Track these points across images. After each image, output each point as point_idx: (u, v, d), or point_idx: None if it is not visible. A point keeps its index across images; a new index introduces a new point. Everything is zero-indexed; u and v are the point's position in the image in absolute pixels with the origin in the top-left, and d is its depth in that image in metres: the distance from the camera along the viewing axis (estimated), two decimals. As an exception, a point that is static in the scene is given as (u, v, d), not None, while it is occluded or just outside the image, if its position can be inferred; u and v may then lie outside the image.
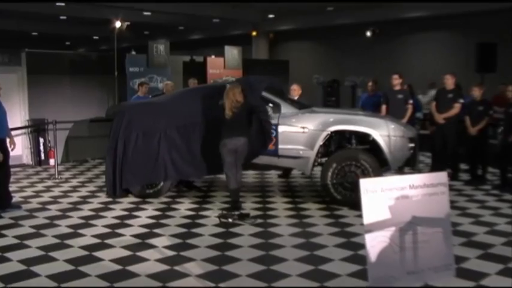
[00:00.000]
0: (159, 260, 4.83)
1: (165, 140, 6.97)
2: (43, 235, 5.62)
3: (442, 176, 3.34)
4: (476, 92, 8.24)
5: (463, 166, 8.95)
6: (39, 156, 10.38)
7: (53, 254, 5.00)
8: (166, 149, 6.97)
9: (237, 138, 6.40)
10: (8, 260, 4.87)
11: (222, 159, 6.46)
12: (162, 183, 7.22)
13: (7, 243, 5.36)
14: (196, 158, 6.98)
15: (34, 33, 23.78)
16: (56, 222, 6.14)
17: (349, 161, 6.65)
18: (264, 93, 7.31)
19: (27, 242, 5.36)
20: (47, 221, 6.17)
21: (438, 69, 14.03)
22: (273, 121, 6.89)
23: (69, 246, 5.25)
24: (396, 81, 8.85)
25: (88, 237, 5.55)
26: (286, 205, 6.93)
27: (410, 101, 8.78)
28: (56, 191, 7.90)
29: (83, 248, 5.19)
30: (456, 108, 8.31)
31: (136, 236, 5.59)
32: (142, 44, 14.00)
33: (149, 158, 6.99)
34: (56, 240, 5.43)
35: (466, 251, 5.00)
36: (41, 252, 5.04)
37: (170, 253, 5.03)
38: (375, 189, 3.15)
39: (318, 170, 7.27)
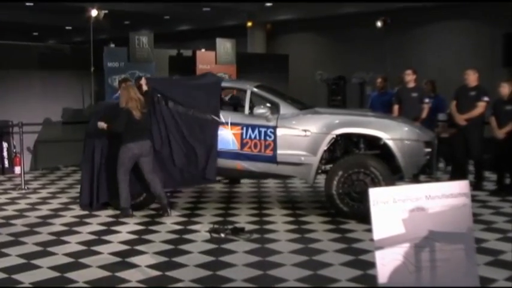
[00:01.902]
0: (142, 281, 4.80)
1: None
2: (6, 254, 5.56)
3: (463, 185, 3.34)
4: (505, 89, 8.23)
5: (487, 174, 8.97)
6: (3, 163, 10.35)
7: (17, 276, 4.95)
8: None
9: (145, 142, 6.80)
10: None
11: (119, 164, 6.78)
12: (145, 194, 7.22)
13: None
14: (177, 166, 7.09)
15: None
16: (22, 239, 6.09)
17: (357, 168, 6.65)
18: (260, 92, 7.32)
19: (-13, 263, 5.32)
20: (11, 238, 6.13)
21: (458, 64, 14.08)
22: (271, 123, 6.90)
23: (36, 266, 5.20)
24: (409, 77, 8.87)
25: (59, 255, 5.51)
26: (285, 218, 6.92)
27: (426, 100, 8.80)
28: (22, 203, 7.86)
29: (53, 268, 5.14)
30: (480, 107, 8.32)
31: (115, 254, 5.55)
32: (122, 35, 14.00)
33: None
34: (22, 260, 5.38)
35: (493, 272, 4.98)
36: (2, 275, 4.99)
37: (154, 273, 5.00)
38: (386, 200, 3.15)
39: (321, 179, 7.26)
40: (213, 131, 7.05)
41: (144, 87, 7.20)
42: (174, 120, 7.07)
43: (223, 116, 7.12)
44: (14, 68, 10.68)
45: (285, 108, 7.08)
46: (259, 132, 6.95)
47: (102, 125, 6.96)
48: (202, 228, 6.45)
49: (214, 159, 7.03)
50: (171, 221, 6.79)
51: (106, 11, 13.59)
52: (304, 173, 6.92)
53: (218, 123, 7.07)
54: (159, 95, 7.13)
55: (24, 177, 9.02)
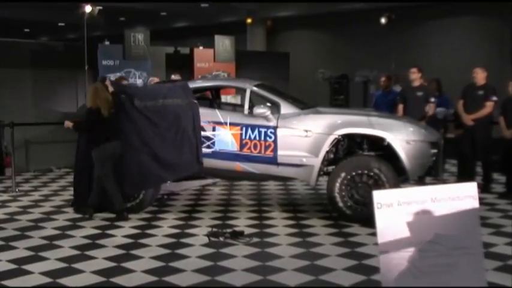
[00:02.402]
0: None
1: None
2: (-2, 259, 5.58)
3: (470, 188, 3.34)
4: None
5: (496, 176, 8.97)
6: (-7, 164, 10.34)
7: (7, 282, 4.95)
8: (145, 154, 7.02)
9: (117, 142, 6.93)
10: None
11: (97, 168, 6.91)
12: (141, 196, 7.23)
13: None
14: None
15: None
16: (13, 243, 6.08)
17: (360, 169, 6.65)
18: (260, 91, 7.32)
19: (-23, 268, 5.32)
20: (1, 243, 6.12)
21: (466, 62, 14.09)
22: (271, 123, 6.90)
23: (28, 272, 5.20)
24: (414, 75, 8.87)
25: (52, 261, 5.50)
26: (286, 221, 6.92)
27: (432, 99, 8.80)
28: (13, 207, 7.86)
29: (45, 274, 5.14)
30: (488, 107, 8.33)
31: (110, 258, 5.55)
32: (117, 32, 13.99)
33: (130, 167, 7.03)
34: (13, 266, 5.37)
35: (502, 278, 4.97)
36: (-7, 281, 5.00)
37: (150, 278, 5.00)
38: (391, 202, 3.15)
39: (323, 181, 7.26)
40: (193, 115, 7.06)
41: (110, 88, 7.25)
42: (144, 115, 7.02)
43: (222, 116, 7.12)
44: (4, 66, 10.68)
45: (285, 108, 7.08)
46: (259, 133, 6.95)
47: (68, 124, 7.15)
48: (200, 232, 6.44)
49: (198, 146, 7.03)
50: (168, 225, 6.79)
51: (100, 7, 13.57)
52: (306, 175, 6.92)
53: (197, 106, 7.09)
54: (123, 96, 7.12)
55: (15, 179, 9.01)
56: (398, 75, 11.73)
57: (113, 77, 10.29)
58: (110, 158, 6.96)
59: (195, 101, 7.18)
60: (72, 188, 8.05)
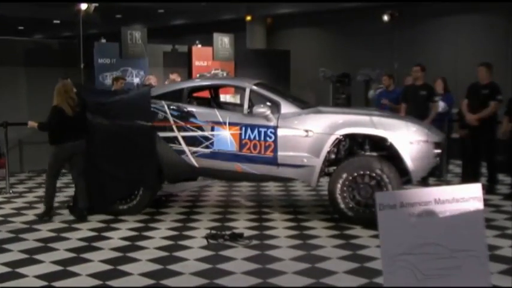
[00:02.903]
0: (134, 291, 4.81)
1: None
2: (-9, 262, 5.58)
3: (475, 189, 3.34)
4: None
5: (501, 177, 8.97)
6: (-15, 166, 10.33)
7: (1, 286, 4.95)
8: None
9: (80, 141, 7.06)
10: None
11: (50, 166, 7.12)
12: (139, 197, 7.23)
13: None
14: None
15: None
16: (7, 246, 6.08)
17: (362, 170, 6.66)
18: (260, 90, 7.33)
19: (-31, 271, 5.32)
20: (-4, 245, 6.14)
21: (470, 60, 14.09)
22: (271, 123, 6.91)
23: (22, 275, 5.20)
24: (417, 74, 8.87)
25: (47, 263, 5.50)
26: (286, 223, 6.93)
27: (436, 98, 8.80)
28: (7, 208, 7.86)
29: (40, 277, 5.14)
30: (493, 107, 8.33)
31: (106, 261, 5.55)
32: (114, 30, 13.99)
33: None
34: (7, 269, 5.37)
35: (508, 281, 4.98)
36: (-14, 284, 5.01)
37: (148, 281, 5.00)
38: (394, 204, 3.15)
39: (325, 182, 7.26)
40: (148, 137, 7.18)
41: (74, 89, 7.37)
42: (104, 127, 7.22)
43: (221, 116, 7.13)
44: (-2, 64, 10.69)
45: (286, 107, 7.08)
46: (259, 133, 6.95)
47: (32, 124, 7.36)
48: (198, 234, 6.44)
49: (153, 166, 7.17)
50: (165, 226, 6.79)
51: (96, 4, 13.59)
52: (307, 176, 6.92)
53: (153, 130, 7.18)
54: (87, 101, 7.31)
55: (9, 180, 9.01)
56: (402, 74, 11.71)
57: (109, 76, 10.30)
58: (67, 158, 7.11)
59: (148, 123, 7.23)
60: (67, 190, 8.06)
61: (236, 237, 6.20)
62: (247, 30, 21.01)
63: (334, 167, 7.00)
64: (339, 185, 6.72)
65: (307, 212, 7.50)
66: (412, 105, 8.82)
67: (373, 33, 18.86)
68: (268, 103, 7.18)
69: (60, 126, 6.98)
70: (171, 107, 7.27)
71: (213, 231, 6.40)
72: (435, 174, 7.38)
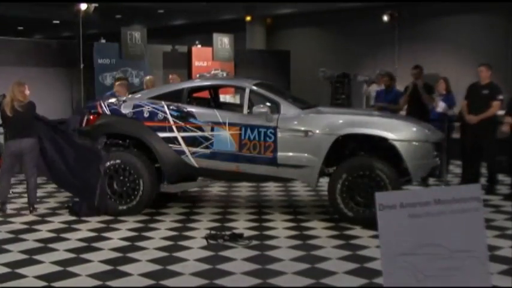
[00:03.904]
0: (134, 291, 4.81)
1: None
2: (-9, 262, 5.58)
3: (475, 189, 3.34)
4: None
5: (501, 177, 8.97)
6: (-16, 166, 10.32)
7: (1, 286, 4.95)
8: None
9: (24, 140, 7.20)
10: None
11: (2, 163, 7.37)
12: (138, 197, 7.23)
13: None
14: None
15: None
16: (6, 246, 6.07)
17: (362, 170, 6.66)
18: (260, 90, 7.34)
19: (-31, 272, 5.31)
20: (-5, 246, 6.14)
21: (470, 60, 14.09)
22: (271, 123, 6.91)
23: (22, 276, 5.19)
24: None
25: (46, 264, 5.50)
26: (286, 223, 6.92)
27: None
28: (7, 209, 7.84)
29: (40, 277, 5.13)
30: (494, 107, 8.32)
31: (106, 262, 5.55)
32: (113, 30, 14.01)
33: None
34: (6, 269, 5.36)
35: (508, 281, 4.98)
36: (-14, 285, 5.00)
37: (148, 282, 5.00)
38: (393, 204, 3.15)
39: (324, 182, 7.26)
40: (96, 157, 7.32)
41: (27, 91, 7.53)
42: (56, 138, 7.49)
43: (221, 116, 7.13)
44: (-3, 64, 10.69)
45: (286, 108, 7.08)
46: (259, 133, 6.95)
47: None
48: (198, 234, 6.44)
49: (103, 191, 7.25)
50: (165, 227, 6.79)
51: (96, 4, 13.60)
52: (307, 176, 6.92)
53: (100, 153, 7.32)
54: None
55: (9, 180, 9.00)
56: (402, 74, 11.71)
57: (109, 76, 10.30)
58: (13, 155, 7.32)
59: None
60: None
61: (236, 237, 6.20)
62: (247, 30, 21.01)
63: (334, 168, 7.00)
64: (338, 186, 6.72)
65: (307, 213, 7.49)
66: (412, 105, 8.82)
67: (373, 33, 18.86)
68: (268, 103, 7.18)
69: (5, 125, 7.37)
70: (171, 108, 7.28)
71: (213, 232, 6.40)
72: (435, 174, 7.38)
